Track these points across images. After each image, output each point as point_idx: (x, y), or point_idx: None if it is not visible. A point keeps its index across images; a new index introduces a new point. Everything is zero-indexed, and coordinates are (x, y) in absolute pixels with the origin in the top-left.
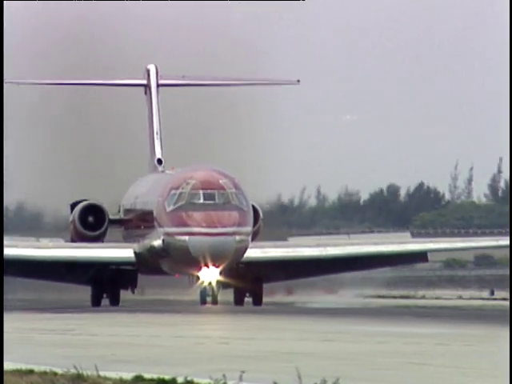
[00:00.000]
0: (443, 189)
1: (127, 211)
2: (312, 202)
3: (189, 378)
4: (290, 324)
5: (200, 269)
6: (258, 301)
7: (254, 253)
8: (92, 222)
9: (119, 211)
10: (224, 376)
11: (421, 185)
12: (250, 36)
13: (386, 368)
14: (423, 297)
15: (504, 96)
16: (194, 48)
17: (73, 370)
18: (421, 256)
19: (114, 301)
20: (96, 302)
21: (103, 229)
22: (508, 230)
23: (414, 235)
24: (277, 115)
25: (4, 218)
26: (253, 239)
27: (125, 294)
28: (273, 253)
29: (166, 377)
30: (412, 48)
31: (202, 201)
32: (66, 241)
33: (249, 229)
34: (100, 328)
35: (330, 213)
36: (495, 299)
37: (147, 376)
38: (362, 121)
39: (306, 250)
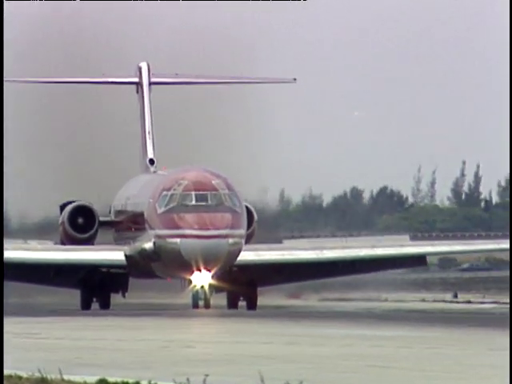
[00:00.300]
0: (406, 192)
1: (118, 213)
2: (275, 204)
3: (153, 382)
4: (255, 327)
5: (192, 272)
6: (252, 305)
7: (247, 256)
8: (82, 223)
9: (110, 213)
10: (188, 380)
11: (384, 188)
12: (245, 34)
13: (349, 371)
14: (386, 300)
15: (467, 100)
16: (188, 45)
17: (37, 374)
18: (419, 259)
19: (105, 305)
20: (86, 306)
21: (93, 231)
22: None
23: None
24: (269, 115)
25: None
26: (247, 242)
27: (115, 298)
28: (267, 256)
29: (130, 380)
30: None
31: (194, 202)
32: (55, 243)
33: (242, 231)
34: (65, 331)
35: (294, 216)
36: (458, 302)
37: (111, 380)
38: (324, 125)
39: (302, 253)
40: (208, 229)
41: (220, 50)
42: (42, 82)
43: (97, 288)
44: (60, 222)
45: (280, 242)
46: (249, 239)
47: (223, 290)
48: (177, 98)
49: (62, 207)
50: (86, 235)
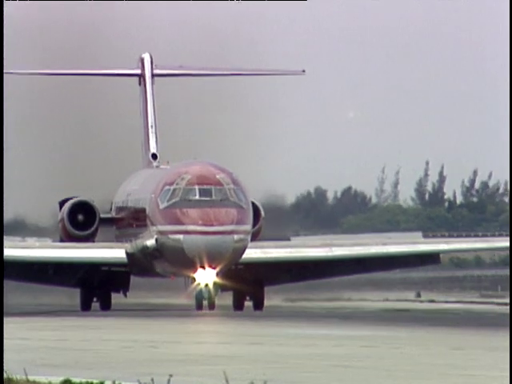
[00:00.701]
0: (370, 192)
1: (119, 209)
2: None
3: (117, 382)
4: (218, 327)
5: (196, 270)
6: (258, 304)
7: (253, 253)
8: (82, 220)
9: (111, 209)
10: (152, 380)
11: (348, 188)
12: (251, 26)
13: (313, 371)
14: (349, 299)
15: (431, 100)
16: (192, 37)
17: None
18: (432, 257)
19: (105, 305)
20: (86, 306)
21: (94, 228)
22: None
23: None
24: (278, 108)
25: None
26: (253, 239)
27: (116, 298)
28: (274, 253)
29: (95, 381)
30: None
31: (197, 197)
32: (54, 240)
33: (248, 227)
34: (30, 332)
35: None
36: (421, 301)
37: (76, 380)
38: (288, 124)
39: (311, 251)
40: (212, 225)
41: (225, 42)
42: (41, 74)
43: (97, 287)
44: (59, 218)
45: (288, 239)
46: (255, 236)
47: (228, 288)
48: (181, 90)
49: (62, 203)
50: (86, 232)
